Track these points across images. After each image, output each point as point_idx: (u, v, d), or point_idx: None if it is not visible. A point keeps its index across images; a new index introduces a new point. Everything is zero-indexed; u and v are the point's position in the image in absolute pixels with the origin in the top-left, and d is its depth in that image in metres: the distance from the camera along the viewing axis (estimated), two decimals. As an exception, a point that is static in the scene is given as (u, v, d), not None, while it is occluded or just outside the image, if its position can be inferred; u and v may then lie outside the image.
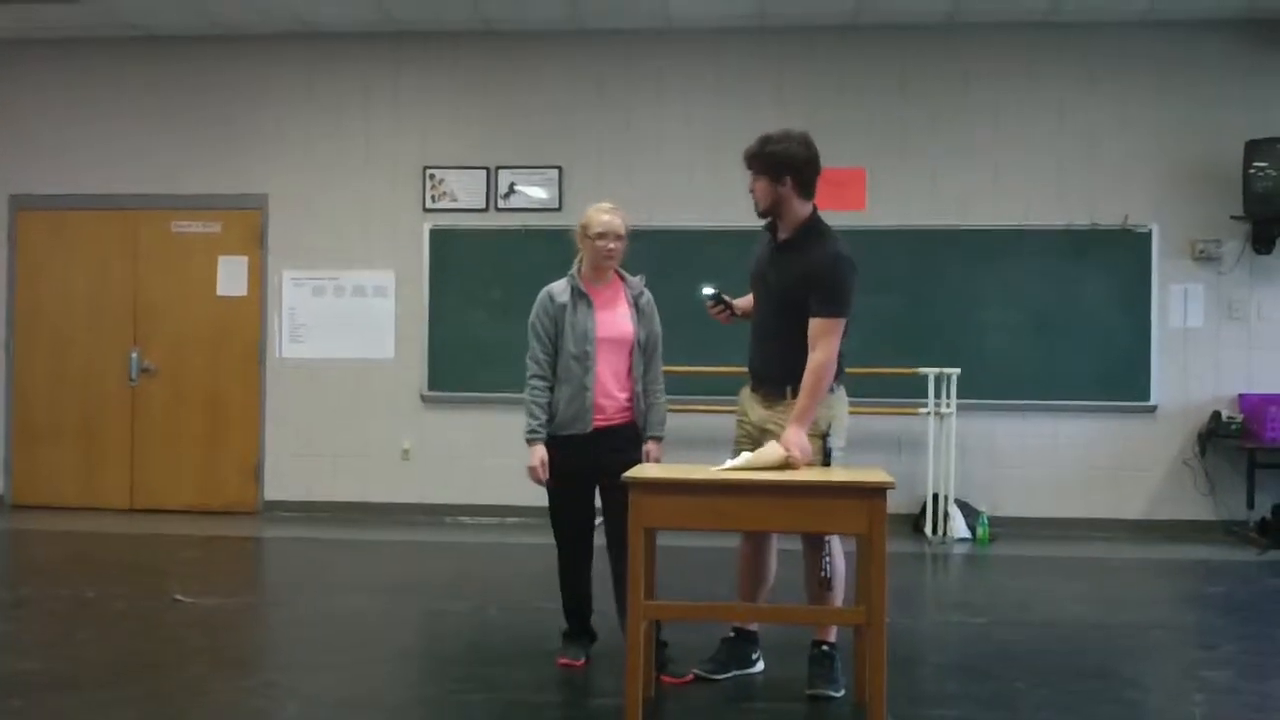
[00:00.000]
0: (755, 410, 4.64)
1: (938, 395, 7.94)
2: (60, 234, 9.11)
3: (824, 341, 4.31)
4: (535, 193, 8.76)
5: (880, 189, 8.53)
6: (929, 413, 7.92)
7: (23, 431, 9.13)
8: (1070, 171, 8.43)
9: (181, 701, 4.14)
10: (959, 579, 7.06)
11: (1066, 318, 8.29)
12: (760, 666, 4.57)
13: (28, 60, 9.09)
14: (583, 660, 4.65)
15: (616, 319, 4.78)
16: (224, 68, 8.99)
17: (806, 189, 4.43)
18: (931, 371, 7.90)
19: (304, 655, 5.04)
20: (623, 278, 4.84)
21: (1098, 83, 8.44)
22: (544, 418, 4.61)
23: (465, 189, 8.81)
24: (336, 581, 6.31)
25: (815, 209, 4.51)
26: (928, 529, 7.97)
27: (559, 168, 8.74)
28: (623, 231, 4.71)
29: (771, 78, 8.63)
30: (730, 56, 8.66)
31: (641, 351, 4.82)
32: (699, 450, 8.33)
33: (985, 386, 8.19)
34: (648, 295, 4.86)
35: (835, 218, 8.65)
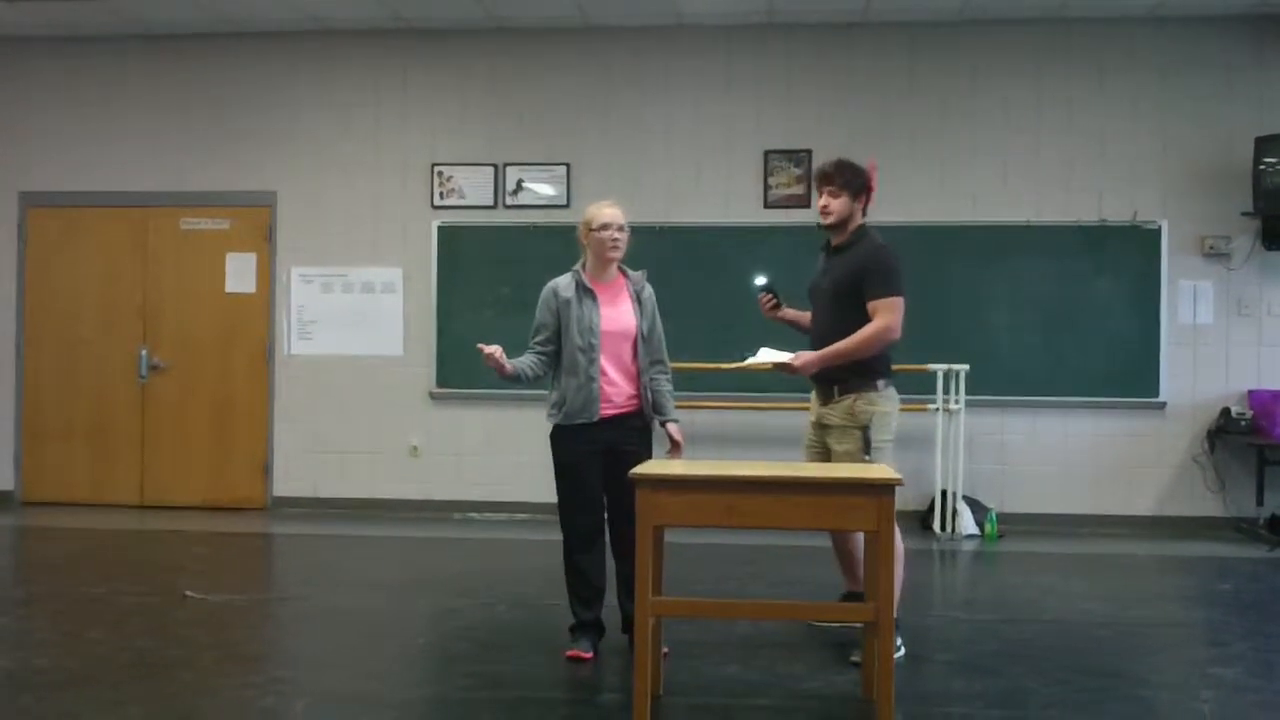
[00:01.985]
0: (814, 408, 5.13)
1: (946, 392, 7.93)
2: (70, 231, 9.14)
3: (883, 314, 4.79)
4: (543, 190, 8.76)
5: (889, 185, 8.50)
6: (937, 409, 7.91)
7: (33, 428, 9.16)
8: (1079, 167, 8.41)
9: (191, 698, 4.15)
10: (967, 576, 7.05)
11: (1075, 314, 8.28)
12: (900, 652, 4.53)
13: (38, 58, 9.12)
14: (591, 654, 4.66)
15: (620, 313, 4.86)
16: (233, 65, 9.01)
17: (865, 205, 5.06)
18: (940, 368, 7.89)
19: (313, 651, 5.05)
20: (625, 273, 4.94)
21: (1107, 78, 8.42)
22: (526, 363, 4.80)
23: (473, 186, 8.82)
24: (345, 578, 6.32)
25: None
26: (936, 525, 7.97)
27: (567, 165, 8.74)
28: (624, 223, 4.85)
29: (780, 74, 8.63)
30: (739, 53, 8.65)
31: (645, 343, 4.88)
32: (709, 446, 8.38)
33: (994, 383, 8.19)
34: (649, 290, 4.97)
35: (844, 214, 8.64)
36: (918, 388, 8.00)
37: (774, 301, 5.33)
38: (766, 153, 8.61)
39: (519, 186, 8.79)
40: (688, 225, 8.57)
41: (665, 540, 4.09)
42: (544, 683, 4.43)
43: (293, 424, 8.92)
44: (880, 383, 4.88)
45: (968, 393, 7.93)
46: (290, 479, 8.91)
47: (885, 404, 4.86)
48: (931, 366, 7.89)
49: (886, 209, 8.45)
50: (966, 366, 7.87)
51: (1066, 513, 8.31)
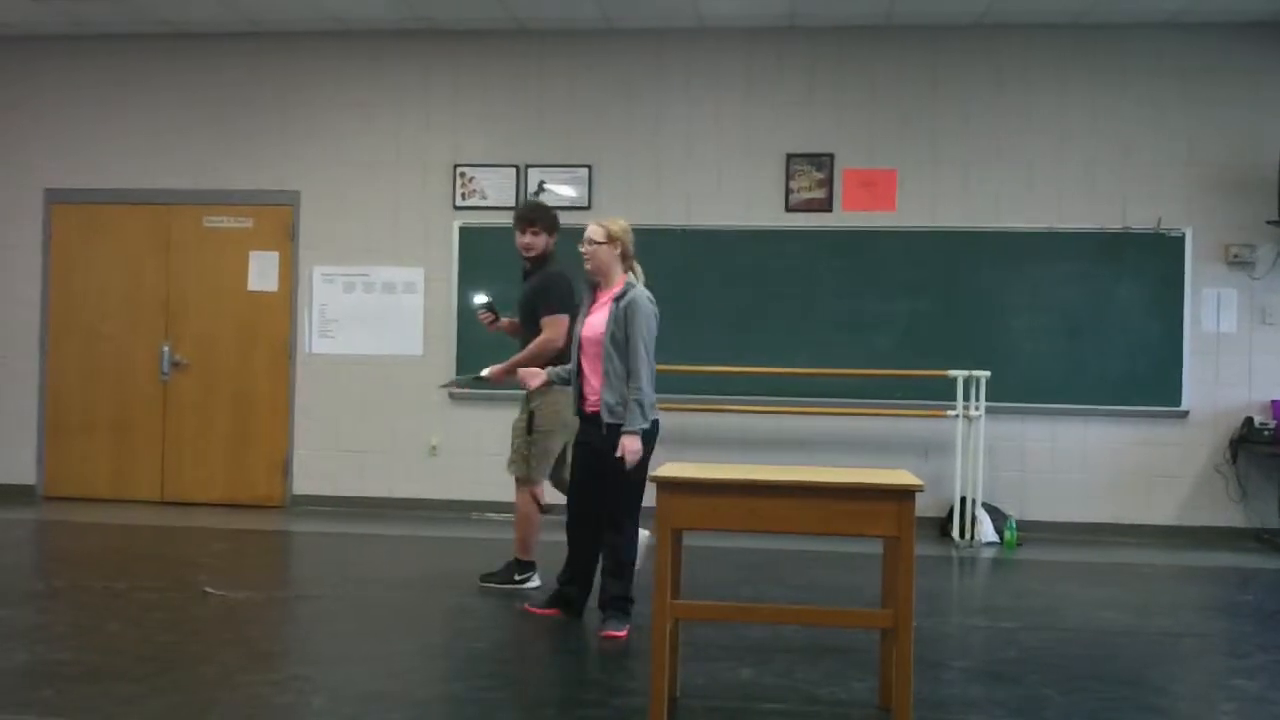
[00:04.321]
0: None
1: (966, 398, 7.90)
2: (93, 228, 9.19)
3: (548, 328, 5.78)
4: (564, 191, 8.77)
5: (911, 190, 8.50)
6: (958, 415, 7.88)
7: (55, 423, 9.22)
8: (1102, 174, 8.37)
9: (210, 693, 4.17)
10: (986, 583, 7.02)
11: (1097, 321, 8.24)
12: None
13: (63, 56, 9.19)
14: (543, 611, 5.35)
15: (598, 320, 5.15)
16: (257, 64, 9.05)
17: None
18: (961, 374, 7.86)
19: (331, 649, 5.07)
20: (629, 282, 5.17)
21: (1131, 84, 8.38)
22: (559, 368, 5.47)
23: (495, 187, 8.84)
24: (364, 576, 6.34)
25: None
26: (955, 532, 7.94)
27: (588, 166, 8.75)
28: (597, 237, 5.19)
29: (803, 78, 8.62)
30: (761, 56, 8.65)
31: (616, 351, 5.03)
32: (731, 450, 8.38)
33: (1015, 389, 8.16)
34: (628, 298, 5.05)
35: (866, 218, 8.75)
36: (938, 394, 8.00)
37: (492, 317, 6.08)
38: (788, 156, 8.60)
39: (540, 188, 8.80)
40: (708, 228, 8.57)
41: (684, 543, 4.09)
42: (561, 683, 4.44)
43: (312, 422, 8.95)
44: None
45: (988, 399, 7.90)
46: (309, 477, 8.95)
47: (549, 405, 5.76)
48: (952, 372, 7.86)
49: (907, 213, 8.48)
50: (987, 373, 7.83)
51: (1087, 521, 8.27)
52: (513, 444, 5.93)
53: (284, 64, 9.04)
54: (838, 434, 8.34)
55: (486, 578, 6.07)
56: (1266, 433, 7.99)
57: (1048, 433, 8.36)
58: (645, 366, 4.99)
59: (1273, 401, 8.15)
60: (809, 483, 3.70)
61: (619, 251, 5.17)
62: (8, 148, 9.28)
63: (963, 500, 7.93)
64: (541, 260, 5.92)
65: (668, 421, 8.49)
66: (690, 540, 4.18)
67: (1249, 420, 8.12)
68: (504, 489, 8.63)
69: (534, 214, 5.97)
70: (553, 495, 5.97)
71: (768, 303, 8.50)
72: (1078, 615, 5.75)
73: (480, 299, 6.19)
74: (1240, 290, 8.27)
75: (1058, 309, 8.28)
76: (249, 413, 9.04)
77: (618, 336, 5.00)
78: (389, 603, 5.82)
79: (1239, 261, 8.23)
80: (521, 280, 6.02)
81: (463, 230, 8.78)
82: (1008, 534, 7.85)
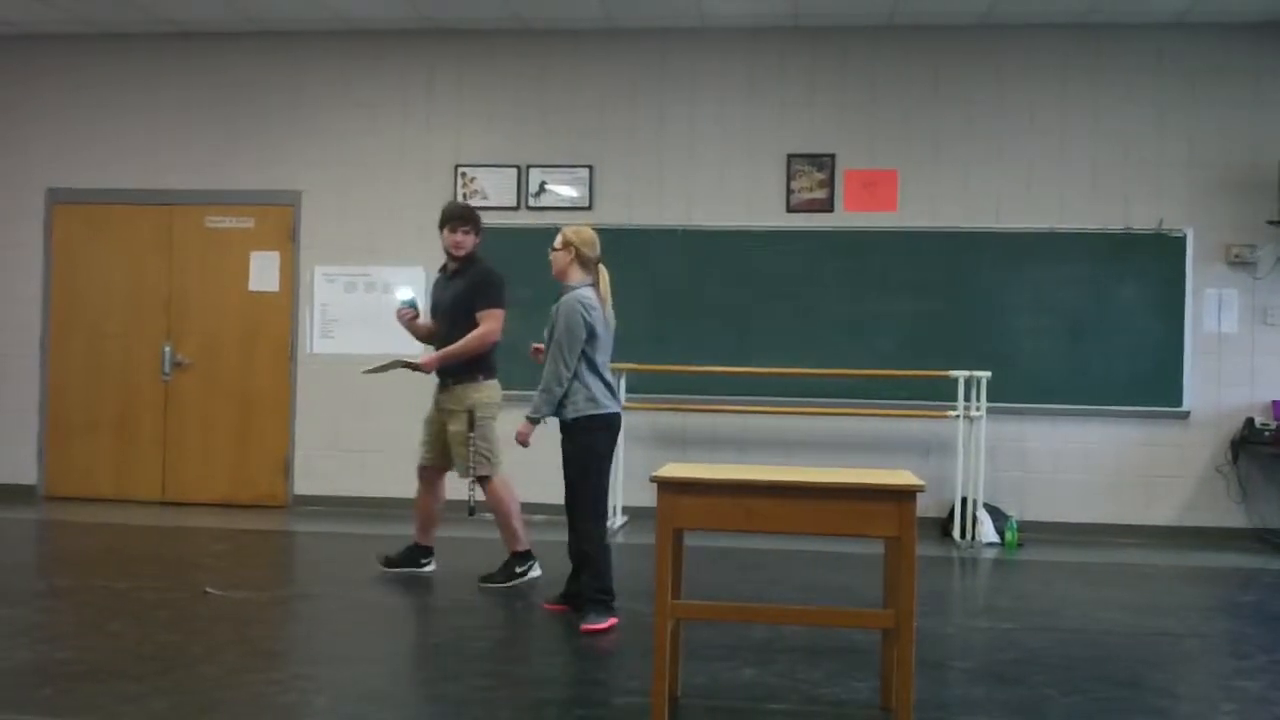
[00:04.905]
0: (436, 395, 6.28)
1: (967, 399, 7.90)
2: (95, 228, 9.20)
3: (486, 321, 6.05)
4: (566, 191, 8.78)
5: (912, 190, 8.51)
6: (958, 416, 7.88)
7: (57, 423, 9.23)
8: (1104, 174, 8.38)
9: (211, 693, 4.17)
10: (987, 583, 7.02)
11: (1099, 322, 8.24)
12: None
13: (66, 55, 9.20)
14: (563, 608, 5.48)
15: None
16: (260, 64, 9.06)
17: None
18: (962, 374, 7.85)
19: (333, 649, 5.07)
20: (574, 286, 5.43)
21: (1133, 85, 8.38)
22: None
23: (496, 187, 8.85)
24: (365, 576, 6.34)
25: None
26: (956, 533, 7.94)
27: (590, 167, 8.75)
28: (556, 244, 5.48)
29: (805, 78, 8.62)
30: (763, 56, 8.65)
31: (551, 349, 5.36)
32: (729, 450, 8.39)
33: (1016, 390, 8.16)
34: (561, 300, 5.38)
35: (867, 219, 8.75)
36: (939, 394, 8.00)
37: (413, 314, 6.26)
38: (789, 156, 8.60)
39: (542, 188, 8.80)
40: (710, 228, 8.57)
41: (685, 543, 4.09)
42: (562, 682, 4.44)
43: (314, 422, 8.95)
44: (480, 376, 6.08)
45: (989, 400, 7.90)
46: (311, 477, 8.95)
47: (486, 392, 6.09)
48: (953, 373, 7.86)
49: (909, 214, 8.48)
50: (988, 373, 7.83)
51: (1088, 521, 8.27)
52: (458, 451, 6.09)
53: (286, 63, 9.05)
54: (838, 434, 8.35)
55: (486, 579, 6.08)
56: (1268, 433, 7.98)
57: (1049, 433, 8.36)
58: (559, 364, 5.28)
59: (1274, 402, 8.15)
60: (810, 483, 3.70)
61: (573, 257, 5.44)
62: (10, 147, 9.29)
63: (964, 500, 7.93)
64: (469, 259, 6.16)
65: (669, 421, 8.56)
66: (691, 540, 4.18)
67: (1250, 421, 8.12)
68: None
69: (467, 214, 6.21)
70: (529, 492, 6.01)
71: (769, 303, 8.50)
72: (1079, 616, 5.75)
73: (406, 295, 6.29)
74: (1241, 290, 8.27)
75: (1059, 309, 8.28)
76: (250, 413, 9.05)
77: (554, 336, 5.33)
78: (390, 602, 5.83)
79: (1240, 262, 8.24)
80: (442, 277, 6.27)
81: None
82: (1009, 534, 7.85)
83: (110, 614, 5.34)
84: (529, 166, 8.82)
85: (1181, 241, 8.23)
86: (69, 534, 7.96)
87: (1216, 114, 8.30)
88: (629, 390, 8.35)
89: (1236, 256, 8.23)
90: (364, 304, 8.93)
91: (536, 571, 6.11)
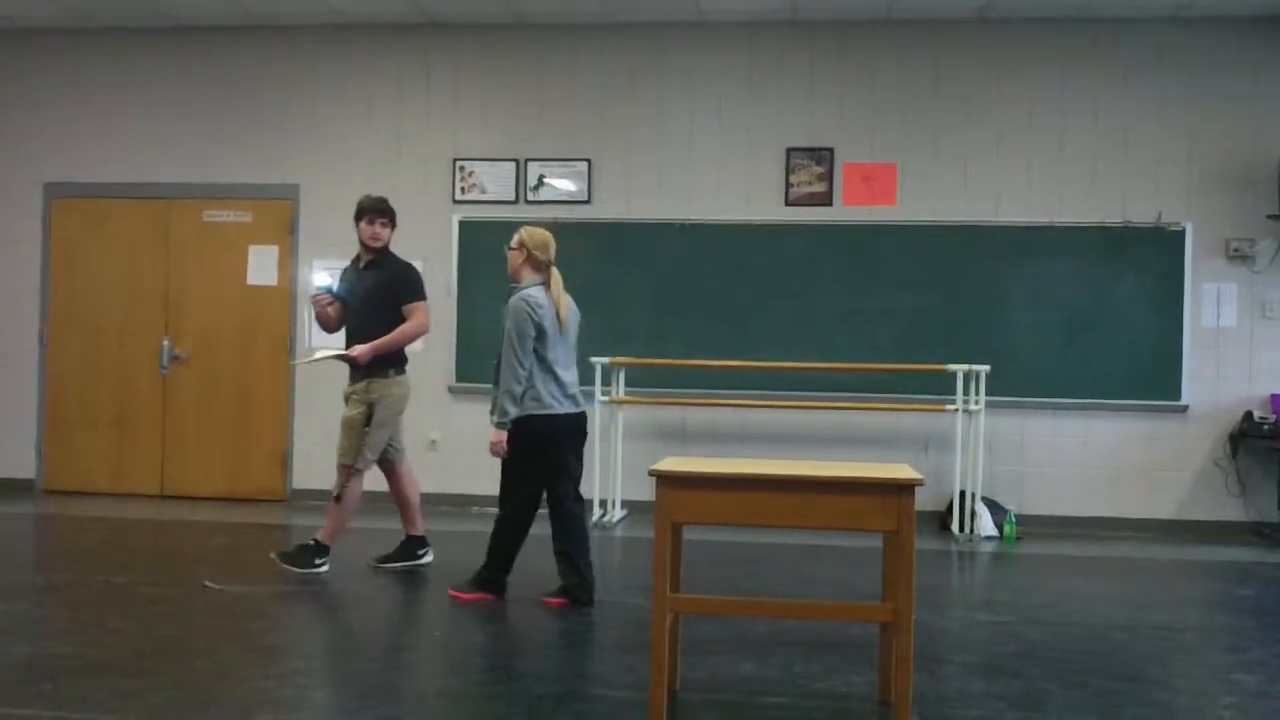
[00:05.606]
0: (348, 385, 6.27)
1: (966, 392, 7.90)
2: (93, 222, 9.19)
3: (417, 314, 6.16)
4: (564, 185, 8.77)
5: (911, 184, 8.50)
6: (957, 410, 7.87)
7: (55, 417, 9.22)
8: (1103, 168, 8.37)
9: (210, 687, 4.17)
10: (986, 577, 7.03)
11: (1098, 316, 8.24)
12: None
13: (63, 50, 9.18)
14: (562, 601, 5.49)
15: None
16: (258, 59, 9.05)
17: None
18: (960, 368, 7.85)
19: (331, 643, 5.08)
20: (520, 285, 5.59)
21: (1132, 79, 8.37)
22: None
23: (494, 181, 8.84)
24: (363, 571, 6.34)
25: None
26: (955, 526, 7.94)
27: (588, 161, 8.74)
28: (512, 243, 5.65)
29: (803, 72, 8.61)
30: (762, 50, 8.64)
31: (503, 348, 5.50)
32: (728, 444, 8.39)
33: (1015, 384, 8.16)
34: (510, 301, 5.53)
35: (866, 212, 8.74)
36: (937, 388, 8.00)
37: (328, 300, 6.25)
38: (788, 150, 8.59)
39: (540, 182, 8.79)
40: (708, 222, 8.57)
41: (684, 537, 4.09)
42: (560, 676, 4.44)
43: (313, 416, 8.93)
44: (391, 372, 6.14)
45: (988, 393, 7.89)
46: (309, 471, 8.93)
47: (393, 388, 6.16)
48: (951, 367, 7.86)
49: (907, 208, 8.48)
50: (987, 367, 7.83)
51: (1086, 515, 8.28)
52: (343, 436, 6.13)
53: (284, 58, 9.04)
54: (837, 429, 8.35)
55: (284, 557, 6.16)
56: (1266, 427, 7.99)
57: (1048, 427, 8.36)
58: (512, 363, 5.40)
59: (1272, 396, 8.15)
60: (809, 477, 3.70)
61: (525, 258, 5.57)
62: (7, 142, 9.27)
63: (962, 494, 7.94)
64: (384, 252, 6.25)
65: (668, 416, 8.56)
66: (689, 535, 4.18)
67: (1249, 414, 8.12)
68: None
69: (384, 207, 6.27)
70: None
71: (768, 297, 8.50)
72: (1077, 609, 5.76)
73: (324, 281, 6.31)
74: (1240, 285, 8.27)
75: (1058, 303, 8.28)
76: (249, 407, 9.04)
77: (504, 336, 5.47)
78: (388, 597, 5.83)
79: (1239, 256, 8.23)
80: (353, 269, 6.32)
81: (462, 224, 8.77)
82: (1007, 528, 7.85)
83: (109, 609, 5.34)
84: (527, 160, 8.80)
85: (1180, 236, 8.23)
86: (68, 528, 7.96)
87: (1215, 108, 8.29)
88: (627, 384, 8.35)
89: (1235, 251, 8.23)
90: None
91: (326, 568, 6.11)
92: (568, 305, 5.61)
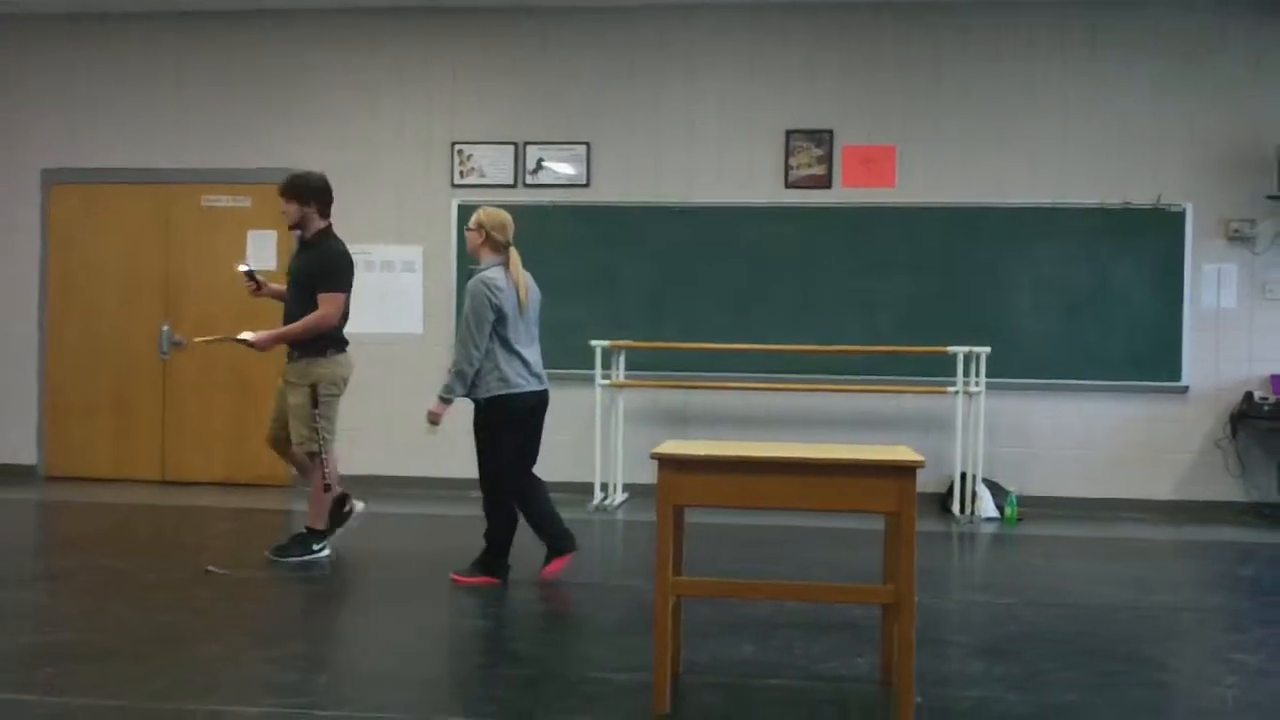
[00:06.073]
0: (284, 368, 6.17)
1: (966, 374, 7.90)
2: (92, 208, 9.17)
3: (324, 304, 5.96)
4: (563, 169, 8.75)
5: (911, 166, 8.48)
6: (957, 392, 7.88)
7: (55, 403, 9.22)
8: (1104, 150, 8.35)
9: (213, 672, 4.19)
10: (986, 559, 7.05)
11: (1098, 297, 8.24)
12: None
13: (61, 36, 9.14)
14: (556, 566, 5.62)
15: None
16: (256, 43, 9.01)
17: (324, 211, 6.18)
18: (960, 350, 7.84)
19: (334, 628, 5.09)
20: (480, 266, 5.63)
21: (1133, 62, 8.34)
22: None
23: (493, 165, 8.82)
24: (365, 555, 6.35)
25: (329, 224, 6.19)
26: (955, 508, 7.95)
27: (587, 144, 8.72)
28: (470, 224, 5.68)
29: (804, 54, 8.58)
30: (762, 33, 8.60)
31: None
32: (728, 427, 8.39)
33: (1015, 366, 8.15)
34: (470, 283, 5.60)
35: (865, 195, 8.72)
36: (938, 370, 8.00)
37: (255, 285, 6.18)
38: (788, 133, 8.57)
39: (539, 165, 8.78)
40: (708, 205, 8.55)
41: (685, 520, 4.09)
42: (564, 660, 4.45)
43: (313, 401, 8.93)
44: (329, 351, 6.00)
45: (988, 375, 7.89)
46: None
47: (331, 367, 6.01)
48: (951, 349, 7.85)
49: (908, 190, 8.46)
50: (987, 349, 7.83)
51: (1087, 496, 8.28)
52: (294, 423, 6.00)
53: (283, 42, 9.00)
54: (838, 411, 8.35)
55: (279, 551, 6.07)
56: (1266, 407, 7.99)
57: (1048, 409, 8.36)
58: (468, 344, 5.45)
59: (1272, 376, 8.15)
60: (810, 460, 3.70)
61: (484, 239, 5.60)
62: (6, 128, 9.24)
63: (963, 476, 7.95)
64: (321, 234, 6.12)
65: (669, 399, 8.56)
66: (690, 517, 4.19)
67: (1249, 395, 8.13)
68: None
69: (286, 185, 6.15)
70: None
71: (768, 280, 8.49)
72: (1078, 590, 5.77)
73: (243, 267, 6.26)
74: (1241, 266, 8.26)
75: (1058, 285, 8.27)
76: (249, 392, 9.01)
77: (461, 317, 5.57)
78: (390, 581, 5.84)
79: (1239, 237, 8.22)
80: (298, 247, 6.24)
81: (461, 208, 8.74)
82: (1008, 510, 7.86)
83: (112, 594, 5.36)
84: (526, 144, 8.78)
85: (1180, 217, 8.21)
86: (69, 515, 7.97)
87: (1215, 89, 8.27)
88: (628, 367, 8.35)
89: (1235, 232, 8.21)
90: (363, 283, 8.84)
91: (328, 552, 6.10)
92: (527, 285, 5.66)
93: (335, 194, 8.89)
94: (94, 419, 9.15)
